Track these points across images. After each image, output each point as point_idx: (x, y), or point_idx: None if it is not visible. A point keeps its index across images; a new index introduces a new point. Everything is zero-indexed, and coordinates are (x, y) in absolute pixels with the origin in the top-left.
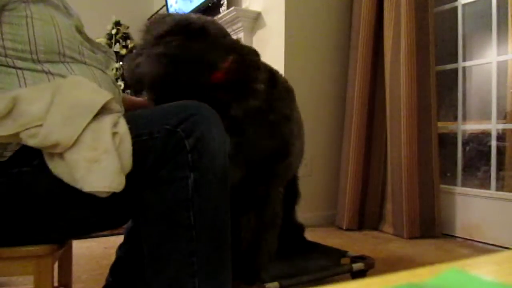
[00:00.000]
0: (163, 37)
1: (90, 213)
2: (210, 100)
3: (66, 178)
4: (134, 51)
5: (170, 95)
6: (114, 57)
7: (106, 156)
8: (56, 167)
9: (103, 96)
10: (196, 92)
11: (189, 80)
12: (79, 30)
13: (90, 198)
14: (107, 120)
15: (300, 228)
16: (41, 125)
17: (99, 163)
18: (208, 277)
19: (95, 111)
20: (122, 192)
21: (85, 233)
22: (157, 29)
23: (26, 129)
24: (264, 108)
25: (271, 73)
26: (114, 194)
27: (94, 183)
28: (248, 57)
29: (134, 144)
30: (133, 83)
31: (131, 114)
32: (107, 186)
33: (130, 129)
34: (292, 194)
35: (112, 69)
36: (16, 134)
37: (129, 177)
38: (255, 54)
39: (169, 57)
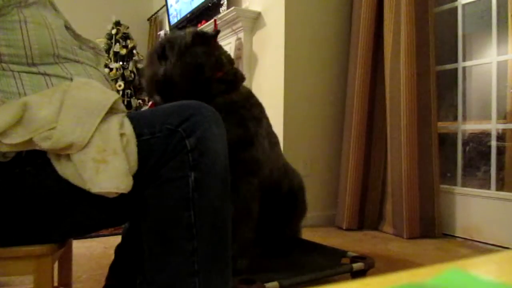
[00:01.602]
0: (189, 48)
1: (92, 212)
2: (208, 89)
3: (73, 180)
4: (147, 60)
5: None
6: (103, 53)
7: (114, 157)
8: (63, 169)
9: (111, 95)
10: (203, 82)
11: (204, 74)
12: (67, 27)
13: (92, 197)
14: (114, 121)
15: (289, 245)
16: (53, 128)
17: (107, 164)
18: (209, 276)
19: (105, 110)
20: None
21: (86, 232)
22: (181, 41)
23: (39, 133)
24: (240, 104)
25: (250, 91)
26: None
27: (103, 184)
28: (240, 71)
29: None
30: (159, 86)
31: (132, 113)
32: (116, 187)
33: (133, 128)
34: (290, 206)
35: (112, 69)
36: (29, 141)
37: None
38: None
39: (195, 64)
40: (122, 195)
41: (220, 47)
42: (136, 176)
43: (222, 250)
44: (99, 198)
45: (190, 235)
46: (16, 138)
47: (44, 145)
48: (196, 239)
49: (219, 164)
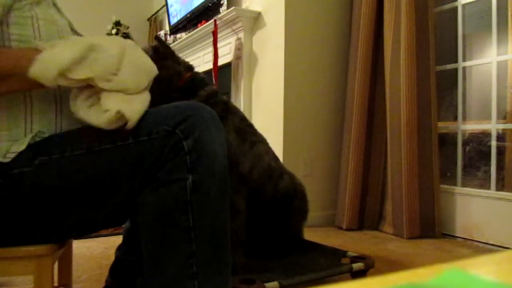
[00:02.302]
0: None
1: (90, 213)
2: (171, 98)
3: (79, 112)
4: None
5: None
6: None
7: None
8: (80, 110)
9: (155, 67)
10: (169, 91)
11: (168, 83)
12: (72, 28)
13: (90, 198)
14: (146, 97)
15: (289, 245)
16: (115, 74)
17: (130, 104)
18: (208, 279)
19: (153, 75)
20: (121, 192)
21: (85, 233)
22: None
23: (102, 75)
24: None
25: (214, 92)
26: (113, 194)
27: (116, 103)
28: (199, 76)
29: (132, 144)
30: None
31: None
32: (126, 110)
33: (129, 130)
34: (284, 211)
35: None
36: (90, 79)
37: (127, 177)
38: (204, 79)
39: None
40: (120, 195)
41: (175, 58)
42: (133, 178)
43: (221, 252)
44: (97, 199)
45: (189, 238)
46: (79, 74)
47: (103, 85)
48: (195, 242)
49: (218, 166)
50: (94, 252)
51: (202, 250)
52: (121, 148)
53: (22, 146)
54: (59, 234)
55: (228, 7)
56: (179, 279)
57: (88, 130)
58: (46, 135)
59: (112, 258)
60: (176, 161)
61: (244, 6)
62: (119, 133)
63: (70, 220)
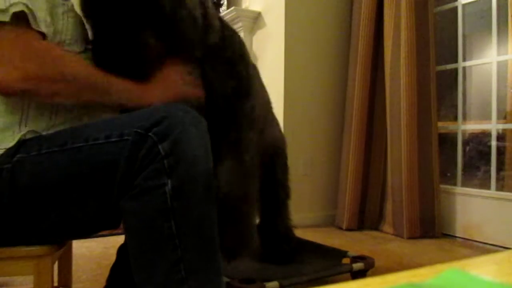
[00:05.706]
0: None
1: (72, 214)
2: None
3: None
4: None
5: None
6: None
7: None
8: None
9: None
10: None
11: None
12: None
13: (68, 197)
14: None
15: (284, 238)
16: None
17: None
18: (198, 284)
19: None
20: (99, 194)
21: (76, 236)
22: None
23: None
24: (220, 45)
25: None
26: (91, 196)
27: None
28: None
29: (103, 144)
30: None
31: (102, 119)
32: None
33: (102, 129)
34: (276, 194)
35: None
36: None
37: (102, 179)
38: None
39: None
40: (98, 198)
41: None
42: (108, 181)
43: (210, 257)
44: (75, 199)
45: (173, 246)
46: None
47: None
48: (180, 248)
49: (200, 169)
50: (94, 252)
51: (189, 256)
52: (93, 147)
53: (11, 143)
54: (44, 235)
55: (228, 7)
56: (168, 284)
57: (65, 129)
58: (39, 133)
59: (112, 258)
60: (153, 167)
61: (244, 6)
62: (91, 131)
63: (52, 221)
